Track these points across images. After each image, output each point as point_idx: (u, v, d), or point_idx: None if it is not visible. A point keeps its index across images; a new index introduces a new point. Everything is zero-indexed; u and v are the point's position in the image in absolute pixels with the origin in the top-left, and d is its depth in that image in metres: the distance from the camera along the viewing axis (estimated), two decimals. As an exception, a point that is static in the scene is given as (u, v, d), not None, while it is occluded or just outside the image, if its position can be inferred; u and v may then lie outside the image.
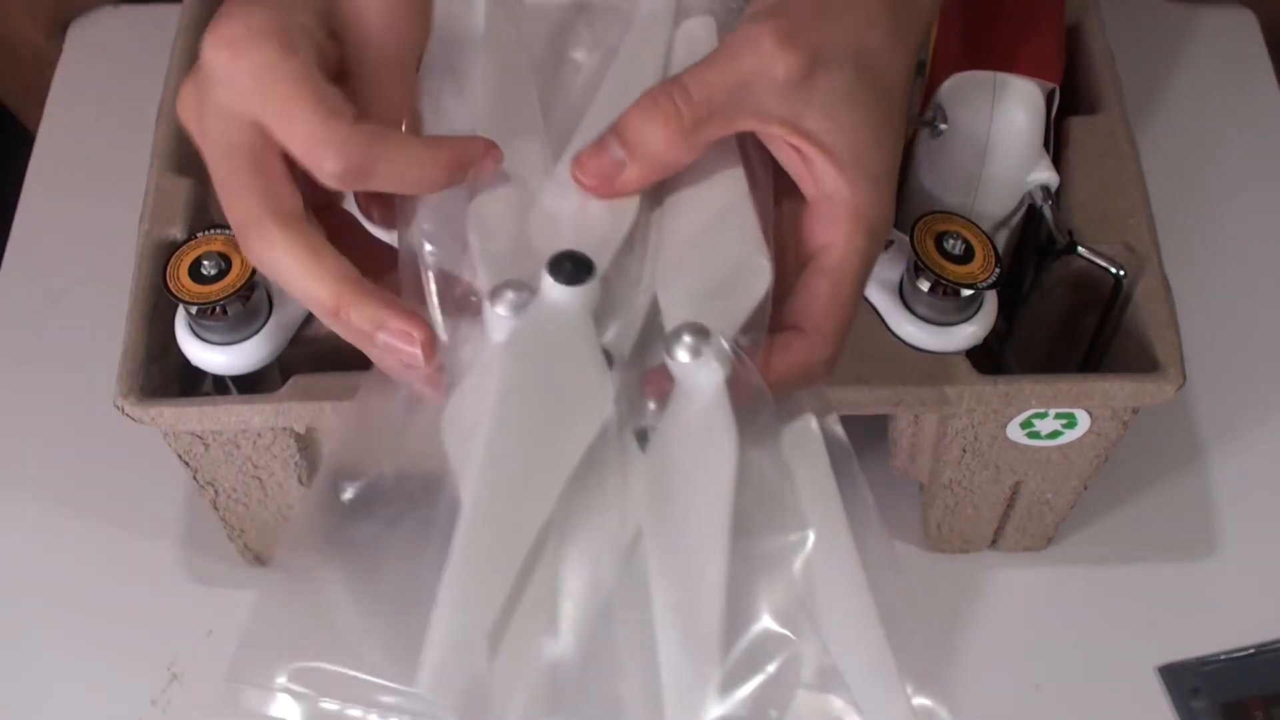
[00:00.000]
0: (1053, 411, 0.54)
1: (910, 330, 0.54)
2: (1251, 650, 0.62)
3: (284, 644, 0.42)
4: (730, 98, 0.42)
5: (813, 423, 0.45)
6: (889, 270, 0.55)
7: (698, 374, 0.43)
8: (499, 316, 0.43)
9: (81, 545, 0.65)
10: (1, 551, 0.65)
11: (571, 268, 0.43)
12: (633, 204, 0.45)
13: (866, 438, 0.65)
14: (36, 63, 0.81)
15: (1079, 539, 0.65)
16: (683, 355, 0.43)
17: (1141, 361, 0.54)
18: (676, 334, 0.43)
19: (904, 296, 0.54)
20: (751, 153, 0.46)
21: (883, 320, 0.54)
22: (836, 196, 0.43)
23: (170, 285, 0.52)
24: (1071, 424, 0.55)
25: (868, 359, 0.54)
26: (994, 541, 0.64)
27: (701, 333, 0.43)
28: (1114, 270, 0.55)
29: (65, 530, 0.65)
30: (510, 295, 0.43)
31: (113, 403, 0.52)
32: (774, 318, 0.44)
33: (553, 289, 0.43)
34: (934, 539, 0.64)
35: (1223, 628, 0.62)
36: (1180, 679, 0.61)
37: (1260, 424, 0.68)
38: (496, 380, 0.42)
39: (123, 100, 0.72)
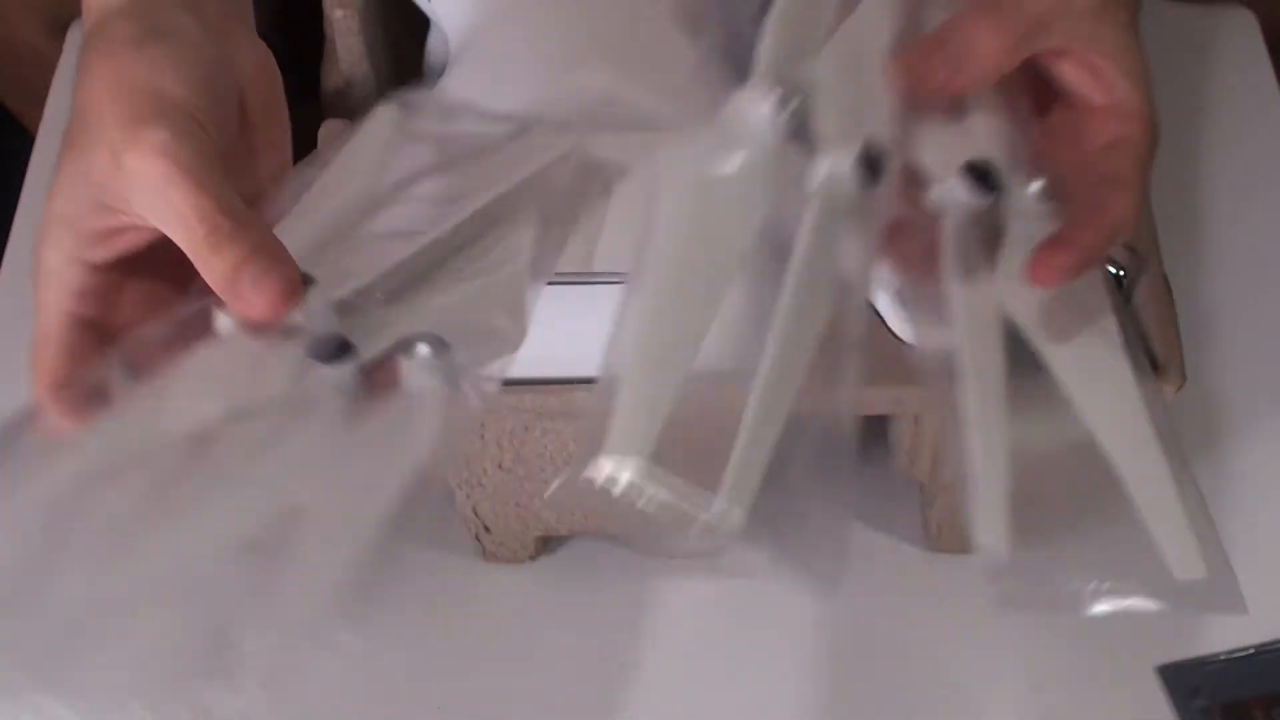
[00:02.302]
0: (1053, 411, 0.54)
1: (910, 330, 0.54)
2: (1251, 650, 0.62)
3: None
4: (1049, 16, 0.48)
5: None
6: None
7: (1034, 205, 0.48)
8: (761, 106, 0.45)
9: (81, 545, 0.64)
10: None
11: (872, 162, 0.45)
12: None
13: (866, 438, 0.65)
14: (36, 63, 0.81)
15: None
16: (1026, 195, 0.47)
17: (1141, 361, 0.54)
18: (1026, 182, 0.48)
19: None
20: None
21: (883, 320, 0.54)
22: (1130, 101, 0.48)
23: (170, 285, 0.52)
24: (1071, 424, 0.55)
25: (867, 359, 0.54)
26: (994, 541, 0.64)
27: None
28: (1114, 270, 0.55)
29: (65, 530, 0.65)
30: (780, 93, 0.45)
31: (112, 403, 0.52)
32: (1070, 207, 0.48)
33: (849, 181, 0.45)
34: (934, 539, 0.64)
35: (1223, 628, 0.62)
36: (1180, 679, 0.61)
37: (1260, 424, 0.68)
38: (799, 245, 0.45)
39: (123, 100, 0.72)
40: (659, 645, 0.63)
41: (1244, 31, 0.80)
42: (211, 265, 0.43)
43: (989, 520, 0.45)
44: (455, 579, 0.64)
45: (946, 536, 0.63)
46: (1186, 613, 0.47)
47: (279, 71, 0.49)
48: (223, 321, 0.44)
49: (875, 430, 0.63)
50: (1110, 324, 0.49)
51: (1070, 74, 0.50)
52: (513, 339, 0.45)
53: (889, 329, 0.54)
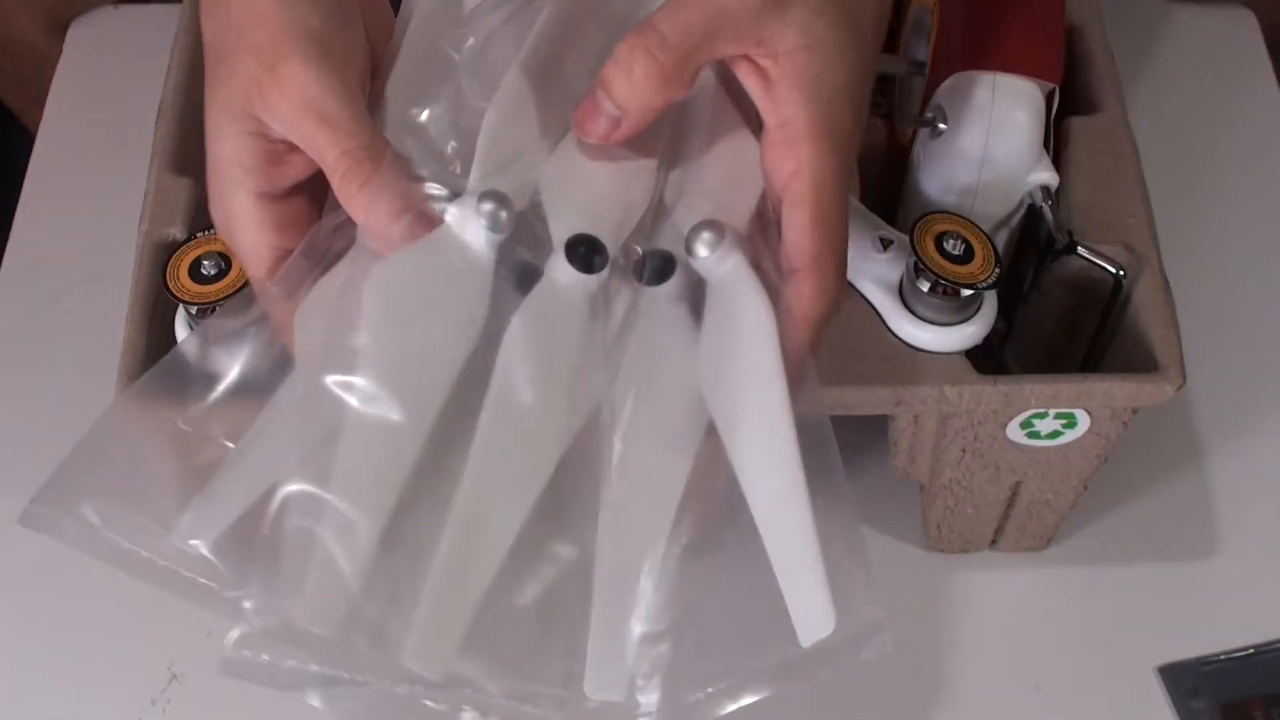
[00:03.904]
0: (1053, 411, 0.54)
1: (910, 330, 0.54)
2: (1251, 650, 0.62)
3: (97, 478, 0.44)
4: (708, 29, 0.43)
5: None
6: (889, 270, 0.55)
7: (719, 266, 0.44)
8: (472, 219, 0.43)
9: (81, 545, 0.64)
10: (1, 551, 0.65)
11: (585, 253, 0.43)
12: (646, 183, 0.46)
13: (866, 438, 0.65)
14: (36, 62, 0.81)
15: (1079, 539, 0.65)
16: (702, 250, 0.44)
17: (1141, 361, 0.54)
18: (696, 231, 0.44)
19: (904, 296, 0.54)
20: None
21: (883, 320, 0.54)
22: (795, 119, 0.43)
23: (170, 285, 0.52)
24: (1071, 424, 0.55)
25: (867, 359, 0.54)
26: (994, 542, 0.64)
27: (717, 227, 0.44)
28: (1114, 270, 0.55)
29: (65, 530, 0.65)
30: (490, 206, 0.43)
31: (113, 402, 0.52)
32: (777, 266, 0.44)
33: (564, 272, 0.43)
34: (934, 539, 0.64)
35: (1223, 628, 0.62)
36: (1180, 679, 0.61)
37: (1260, 424, 0.68)
38: (499, 360, 0.43)
39: (123, 100, 0.72)
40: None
41: (1244, 31, 0.80)
42: (349, 194, 0.43)
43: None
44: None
45: (946, 536, 0.63)
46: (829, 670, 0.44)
47: None
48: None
49: (875, 430, 0.63)
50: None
51: (750, 87, 0.44)
52: None
53: (889, 329, 0.54)
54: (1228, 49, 0.80)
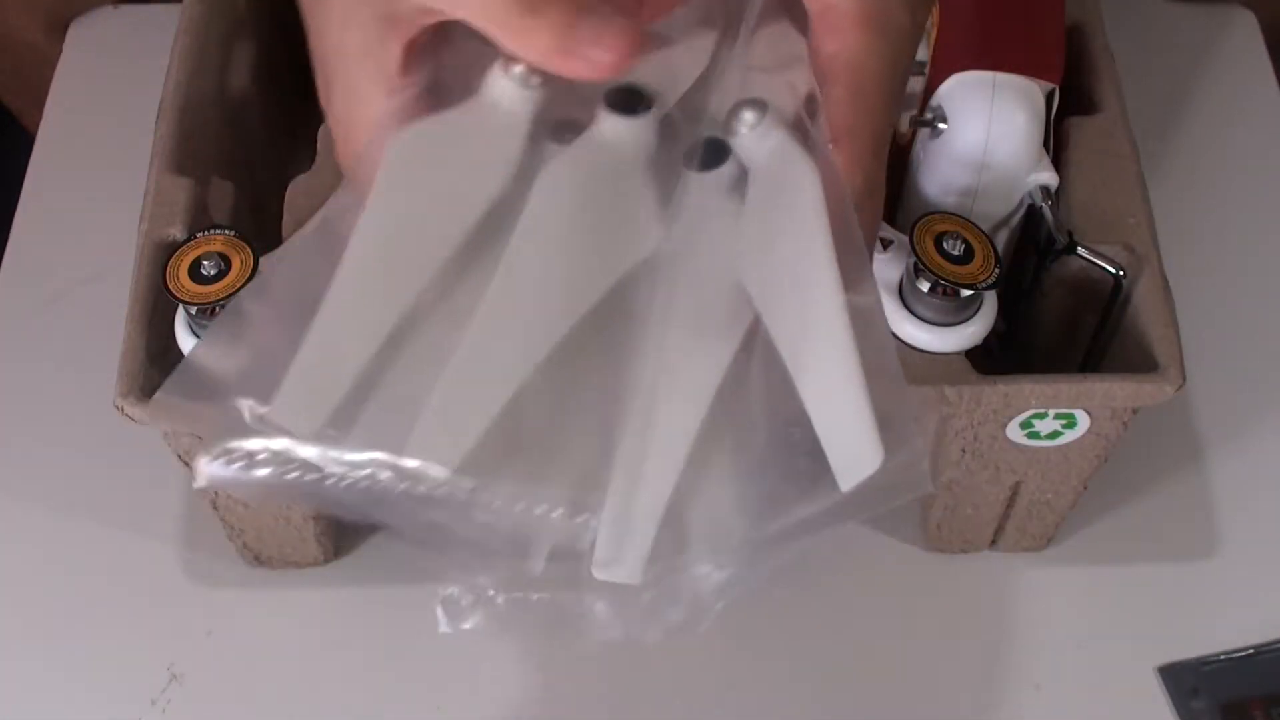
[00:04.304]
0: (1052, 412, 0.54)
1: (910, 330, 0.54)
2: (1251, 650, 0.62)
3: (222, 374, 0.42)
4: None
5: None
6: (889, 270, 0.55)
7: (762, 144, 0.43)
8: (506, 84, 0.43)
9: (81, 545, 0.65)
10: (1, 551, 0.65)
11: (628, 99, 0.43)
12: (699, 57, 0.45)
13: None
14: (36, 62, 0.81)
15: (1079, 539, 0.65)
16: (743, 128, 0.43)
17: (1141, 361, 0.54)
18: (737, 110, 0.43)
19: (904, 296, 0.54)
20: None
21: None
22: (841, 4, 0.42)
23: (170, 285, 0.52)
24: (1071, 424, 0.55)
25: (867, 359, 0.54)
26: (994, 541, 0.64)
27: (759, 105, 0.43)
28: (1114, 270, 0.55)
29: (65, 530, 0.65)
30: (520, 70, 0.43)
31: (113, 403, 0.52)
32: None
33: (607, 122, 0.42)
34: (934, 539, 0.64)
35: (1223, 628, 0.62)
36: (1180, 679, 0.61)
37: (1260, 424, 0.68)
38: (535, 188, 0.42)
39: (123, 100, 0.72)
40: (659, 645, 0.63)
41: (1244, 31, 0.80)
42: (534, 30, 0.41)
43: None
44: (455, 579, 0.64)
45: (946, 536, 0.63)
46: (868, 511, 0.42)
47: None
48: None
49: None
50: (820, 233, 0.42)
51: None
52: None
53: (889, 329, 0.54)
54: (1228, 49, 0.80)
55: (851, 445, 0.41)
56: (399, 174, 0.42)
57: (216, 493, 0.58)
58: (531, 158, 0.43)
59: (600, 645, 0.43)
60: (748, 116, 0.43)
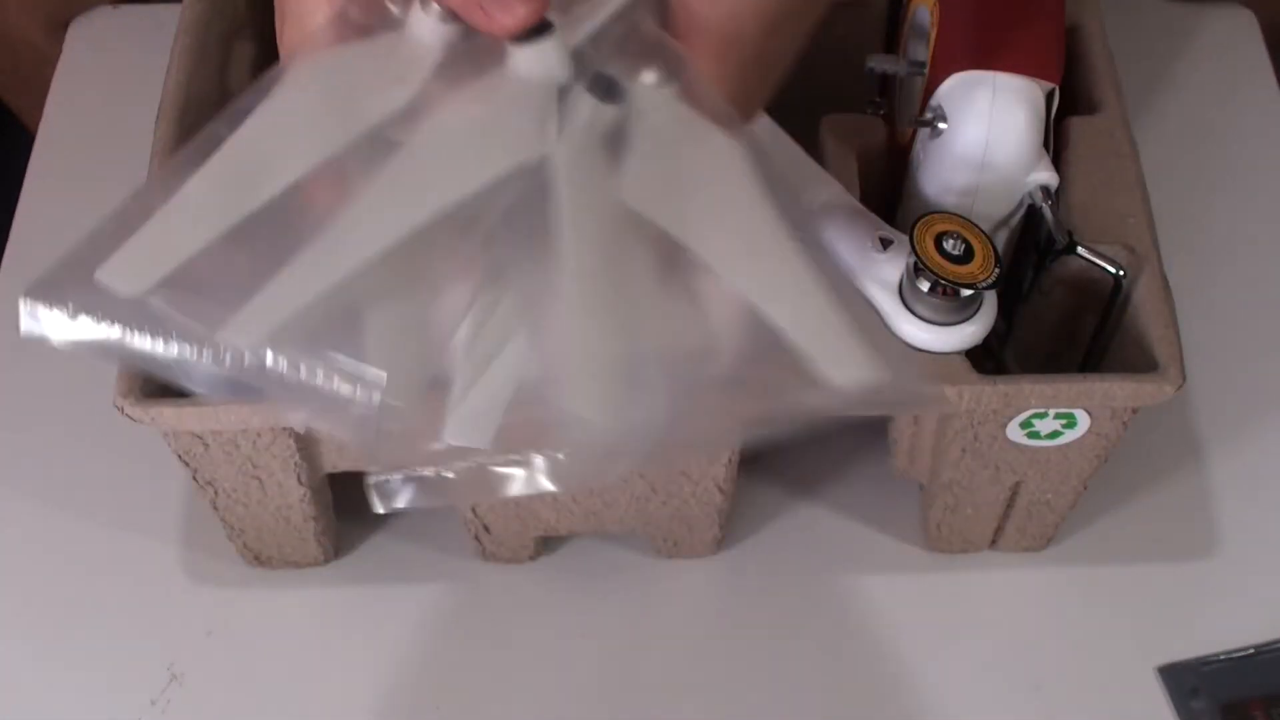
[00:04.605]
0: (1052, 411, 0.54)
1: (910, 330, 0.54)
2: (1251, 650, 0.62)
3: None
4: None
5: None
6: (889, 270, 0.55)
7: (659, 94, 0.43)
8: (423, 18, 0.43)
9: (81, 545, 0.65)
10: (1, 551, 0.65)
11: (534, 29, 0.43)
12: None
13: (866, 438, 0.65)
14: (36, 62, 0.81)
15: (1079, 539, 0.65)
16: (647, 79, 0.43)
17: (1141, 361, 0.54)
18: (637, 61, 0.43)
19: (904, 296, 0.54)
20: None
21: (883, 320, 0.54)
22: None
23: (170, 285, 0.52)
24: (1071, 424, 0.55)
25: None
26: (994, 542, 0.64)
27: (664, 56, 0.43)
28: (1114, 270, 0.55)
29: (65, 530, 0.65)
30: (437, 8, 0.43)
31: (113, 403, 0.52)
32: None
33: (512, 48, 0.43)
34: (934, 539, 0.64)
35: (1223, 628, 0.62)
36: (1180, 679, 0.61)
37: (1260, 424, 0.68)
38: (428, 115, 0.43)
39: (123, 100, 0.72)
40: (659, 645, 0.63)
41: (1244, 31, 0.80)
42: None
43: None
44: (455, 579, 0.64)
45: (946, 536, 0.63)
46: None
47: None
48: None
49: (875, 430, 0.63)
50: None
51: None
52: None
53: (888, 328, 0.54)
54: (1228, 49, 0.80)
55: (836, 347, 0.42)
56: (294, 86, 0.44)
57: (216, 492, 0.58)
58: (439, 84, 0.44)
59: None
60: (650, 74, 0.44)
